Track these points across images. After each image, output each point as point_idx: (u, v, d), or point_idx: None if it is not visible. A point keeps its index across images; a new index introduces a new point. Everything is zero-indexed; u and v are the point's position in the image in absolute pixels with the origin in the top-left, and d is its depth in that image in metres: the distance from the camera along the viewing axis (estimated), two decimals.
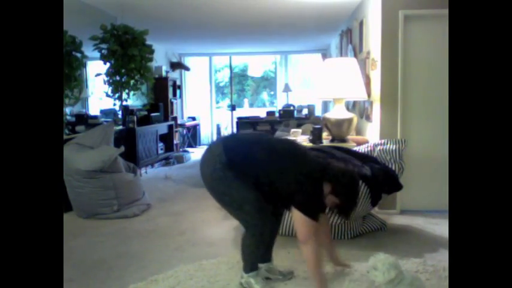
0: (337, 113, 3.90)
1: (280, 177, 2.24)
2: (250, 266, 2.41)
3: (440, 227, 3.49)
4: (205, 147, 2.55)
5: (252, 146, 2.36)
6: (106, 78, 5.27)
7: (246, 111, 10.72)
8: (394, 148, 3.28)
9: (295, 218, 2.21)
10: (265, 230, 2.33)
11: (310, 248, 2.19)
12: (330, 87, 3.87)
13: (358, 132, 4.77)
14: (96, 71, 5.47)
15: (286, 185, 2.22)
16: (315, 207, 2.21)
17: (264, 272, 2.49)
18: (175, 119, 8.21)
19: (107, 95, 5.38)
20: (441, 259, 2.80)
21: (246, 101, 11.55)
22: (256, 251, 2.40)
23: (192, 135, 9.63)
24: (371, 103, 4.21)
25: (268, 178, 2.26)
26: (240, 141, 2.43)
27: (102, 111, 6.40)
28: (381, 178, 3.08)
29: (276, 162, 2.26)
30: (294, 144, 2.48)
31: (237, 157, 2.28)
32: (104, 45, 5.13)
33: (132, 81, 5.37)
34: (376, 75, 4.03)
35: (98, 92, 6.06)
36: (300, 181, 2.19)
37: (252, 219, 2.28)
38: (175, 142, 7.87)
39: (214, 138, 10.23)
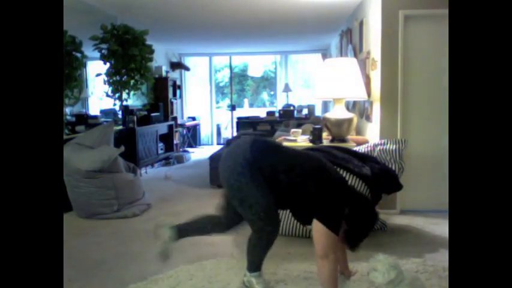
0: (337, 113, 3.90)
1: (306, 184, 2.16)
2: (254, 265, 2.40)
3: (440, 227, 3.49)
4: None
5: (278, 149, 2.32)
6: (106, 78, 5.27)
7: (246, 111, 10.73)
8: (394, 148, 3.29)
9: (317, 231, 2.10)
10: (270, 234, 2.30)
11: (328, 264, 2.08)
12: (330, 87, 3.86)
13: (358, 132, 4.77)
14: (96, 71, 5.47)
15: (312, 193, 2.14)
16: (339, 220, 2.11)
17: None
18: (175, 119, 8.21)
19: (107, 95, 5.38)
20: (441, 259, 2.80)
21: (246, 101, 11.55)
22: (262, 253, 2.37)
23: (192, 135, 9.64)
24: (371, 103, 4.21)
25: (292, 183, 2.18)
26: (268, 142, 2.40)
27: (102, 111, 6.40)
28: (381, 178, 3.08)
29: (304, 169, 2.19)
30: (322, 158, 2.44)
31: (262, 156, 2.23)
32: (104, 45, 5.13)
33: (132, 81, 5.38)
34: (376, 75, 4.03)
35: (98, 92, 6.06)
36: (328, 191, 2.13)
37: (258, 222, 2.24)
38: (175, 142, 7.87)
39: (215, 138, 10.24)
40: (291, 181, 2.17)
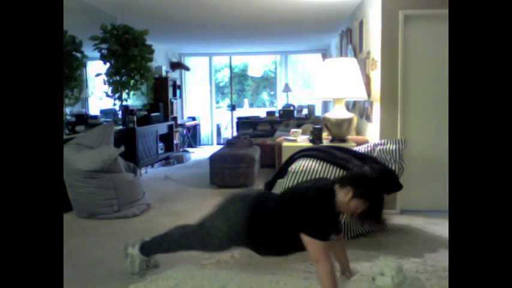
0: (337, 113, 3.90)
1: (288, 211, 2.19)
2: (150, 250, 2.57)
3: (440, 227, 3.49)
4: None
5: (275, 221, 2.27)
6: (106, 78, 5.26)
7: (246, 111, 10.73)
8: (394, 148, 3.28)
9: (303, 239, 2.11)
10: (192, 248, 2.48)
11: (321, 269, 2.08)
12: (330, 87, 3.86)
13: (358, 132, 4.77)
14: (96, 71, 5.46)
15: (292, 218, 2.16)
16: (321, 227, 2.11)
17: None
18: (175, 119, 8.21)
19: (107, 95, 5.37)
20: (441, 259, 2.80)
21: (246, 101, 11.55)
22: (169, 250, 2.55)
23: (192, 135, 9.64)
24: (371, 103, 4.21)
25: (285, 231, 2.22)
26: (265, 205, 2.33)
27: (102, 111, 6.40)
28: (381, 178, 3.08)
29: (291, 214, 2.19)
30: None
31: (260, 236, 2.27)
32: (104, 45, 5.12)
33: (132, 81, 5.37)
34: (376, 75, 4.03)
35: (98, 92, 6.06)
36: (303, 204, 2.14)
37: (197, 243, 2.41)
38: (175, 142, 7.87)
39: (215, 138, 10.22)
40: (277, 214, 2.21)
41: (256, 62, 11.68)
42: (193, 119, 9.73)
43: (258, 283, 2.45)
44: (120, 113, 6.02)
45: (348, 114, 3.90)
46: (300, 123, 7.18)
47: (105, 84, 5.31)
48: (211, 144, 10.14)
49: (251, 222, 2.23)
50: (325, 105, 8.95)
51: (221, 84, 11.58)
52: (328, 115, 3.97)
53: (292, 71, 10.03)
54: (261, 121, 8.87)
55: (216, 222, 2.33)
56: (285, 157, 3.59)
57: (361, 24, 4.73)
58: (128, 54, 5.15)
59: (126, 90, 5.39)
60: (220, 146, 7.81)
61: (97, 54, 5.13)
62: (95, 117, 5.79)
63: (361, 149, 3.46)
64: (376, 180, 2.22)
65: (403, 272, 2.01)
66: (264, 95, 12.15)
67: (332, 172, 3.04)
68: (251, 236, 2.25)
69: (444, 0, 3.10)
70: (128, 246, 2.62)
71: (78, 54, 4.68)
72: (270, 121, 8.78)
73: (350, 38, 5.59)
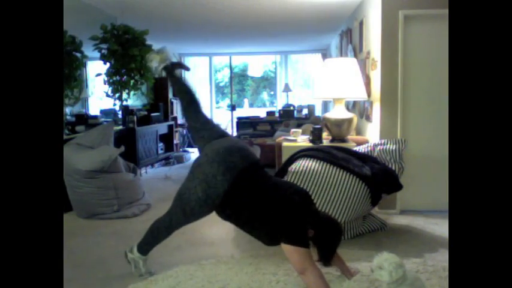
0: (337, 113, 3.90)
1: (264, 216, 2.21)
2: (147, 248, 2.56)
3: (440, 227, 3.49)
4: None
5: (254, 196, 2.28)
6: (106, 78, 5.27)
7: (246, 111, 10.73)
8: (394, 148, 3.29)
9: (286, 250, 2.11)
10: (179, 228, 2.49)
11: (310, 276, 2.05)
12: (330, 87, 3.87)
13: (358, 132, 4.77)
14: (96, 71, 5.47)
15: (268, 220, 2.19)
16: (302, 233, 2.12)
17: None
18: (175, 119, 8.21)
19: (107, 95, 5.38)
20: (441, 259, 2.80)
21: (246, 101, 11.56)
22: (162, 239, 2.54)
23: (192, 135, 9.63)
24: (371, 103, 4.21)
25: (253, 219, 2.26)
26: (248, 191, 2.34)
27: (102, 111, 6.41)
28: (381, 178, 3.08)
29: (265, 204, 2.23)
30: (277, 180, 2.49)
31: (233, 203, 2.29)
32: (104, 45, 5.13)
33: (132, 81, 5.38)
34: (376, 75, 4.03)
35: (98, 92, 6.07)
36: (282, 211, 2.15)
37: (180, 215, 2.40)
38: (175, 142, 7.87)
39: None
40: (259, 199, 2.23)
41: (256, 62, 11.68)
42: None
43: (258, 283, 2.45)
44: (120, 113, 6.02)
45: (348, 114, 3.90)
46: (300, 123, 7.18)
47: (105, 84, 5.32)
48: None
49: (233, 190, 2.24)
50: (325, 105, 8.95)
51: (221, 84, 11.59)
52: (328, 115, 3.97)
53: (292, 71, 10.04)
54: (261, 121, 8.87)
55: (192, 183, 2.33)
56: (285, 157, 3.59)
57: (361, 24, 4.73)
58: (128, 54, 5.15)
59: (126, 90, 5.40)
60: None
61: (97, 54, 5.14)
62: (95, 117, 5.80)
63: (361, 149, 3.46)
64: (339, 230, 2.26)
65: (404, 269, 1.99)
66: (264, 95, 12.16)
67: (332, 172, 3.04)
68: (227, 200, 2.27)
69: (444, 0, 3.11)
70: (127, 254, 2.62)
71: (78, 54, 4.69)
72: (270, 121, 8.78)
73: (350, 38, 5.59)
